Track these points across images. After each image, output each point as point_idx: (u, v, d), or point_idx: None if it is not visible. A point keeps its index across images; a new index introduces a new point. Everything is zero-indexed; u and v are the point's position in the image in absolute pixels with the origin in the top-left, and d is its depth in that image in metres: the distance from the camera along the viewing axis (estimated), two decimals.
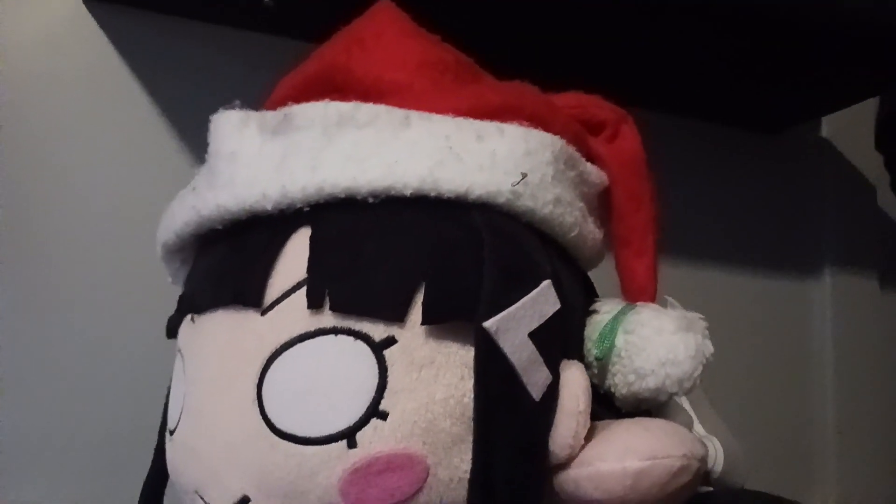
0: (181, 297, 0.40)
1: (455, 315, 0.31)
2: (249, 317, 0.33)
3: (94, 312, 0.65)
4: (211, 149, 0.37)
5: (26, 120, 0.64)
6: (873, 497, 0.90)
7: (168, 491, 0.42)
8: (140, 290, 0.65)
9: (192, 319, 0.37)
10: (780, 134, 0.92)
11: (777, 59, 0.73)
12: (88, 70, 0.66)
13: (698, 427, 0.51)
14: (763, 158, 0.93)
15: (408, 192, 0.32)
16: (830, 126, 0.95)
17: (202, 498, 0.34)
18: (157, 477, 0.42)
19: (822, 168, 0.95)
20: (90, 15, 0.66)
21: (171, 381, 0.41)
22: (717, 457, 0.51)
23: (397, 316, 0.31)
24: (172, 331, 0.41)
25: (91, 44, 0.66)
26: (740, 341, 0.86)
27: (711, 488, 0.50)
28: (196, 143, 0.67)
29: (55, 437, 0.63)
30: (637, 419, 0.33)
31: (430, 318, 0.31)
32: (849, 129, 0.95)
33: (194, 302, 0.37)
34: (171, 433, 0.37)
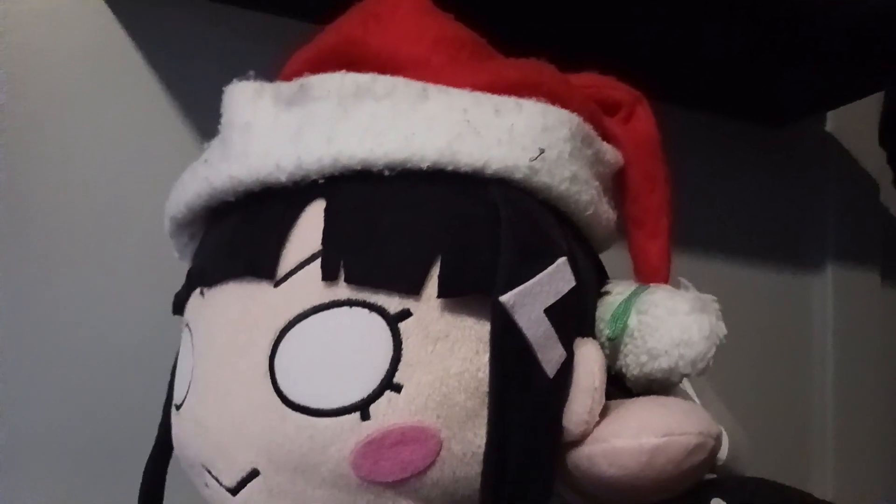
0: (189, 271, 0.40)
1: (471, 289, 0.31)
2: (262, 288, 0.33)
3: (95, 296, 0.64)
4: (224, 120, 0.36)
5: (29, 95, 0.63)
6: (870, 491, 0.91)
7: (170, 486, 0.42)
8: (144, 272, 0.65)
9: (202, 293, 0.36)
10: (783, 128, 0.92)
11: (782, 52, 0.73)
12: (93, 46, 0.65)
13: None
14: (766, 152, 0.93)
15: (424, 166, 0.32)
16: (835, 121, 0.95)
17: (209, 472, 0.34)
18: (161, 452, 0.41)
19: (826, 163, 0.95)
20: None
21: (176, 355, 0.40)
22: (722, 445, 0.51)
23: (413, 289, 0.31)
24: (179, 306, 0.40)
25: (96, 19, 0.66)
26: (741, 334, 0.86)
27: (715, 475, 0.50)
28: (200, 122, 0.67)
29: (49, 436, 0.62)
30: (652, 397, 0.33)
31: (447, 292, 0.31)
32: (853, 124, 0.95)
33: (204, 275, 0.37)
34: (178, 408, 0.37)
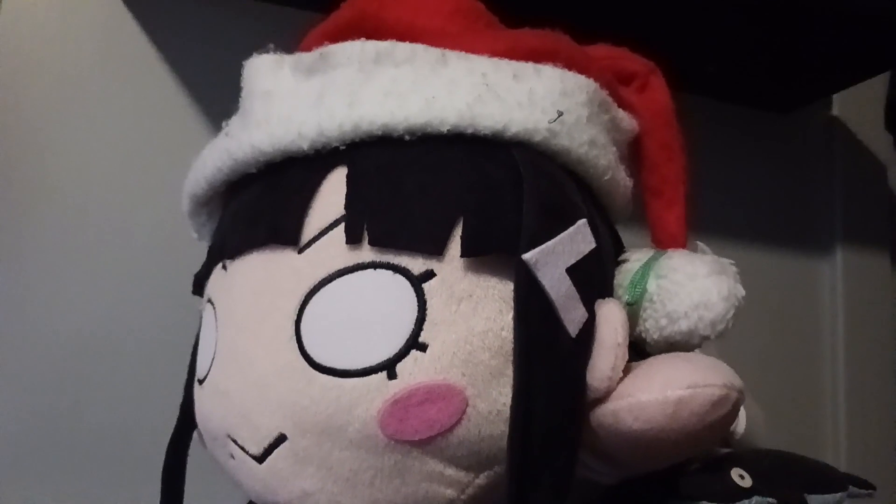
0: (210, 248, 0.40)
1: (494, 248, 0.31)
2: (286, 255, 0.33)
3: (99, 284, 0.64)
4: (245, 91, 0.37)
5: (39, 85, 0.64)
6: (882, 475, 0.90)
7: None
8: (150, 257, 0.65)
9: (224, 267, 0.37)
10: (790, 113, 0.92)
11: (786, 34, 0.73)
12: (103, 35, 0.66)
13: None
14: (773, 138, 0.93)
15: (445, 129, 0.32)
16: (841, 105, 0.95)
17: (235, 441, 0.34)
18: (183, 429, 0.42)
19: (833, 147, 0.95)
20: None
21: (196, 335, 0.41)
22: (739, 418, 0.51)
23: (436, 249, 0.31)
24: (199, 285, 0.41)
25: (106, 8, 0.66)
26: (750, 319, 0.86)
27: (731, 449, 0.51)
28: (211, 111, 0.67)
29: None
30: (675, 353, 0.33)
31: (470, 251, 0.31)
32: (860, 108, 0.95)
33: (225, 248, 0.37)
34: (201, 382, 0.37)
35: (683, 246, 0.39)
